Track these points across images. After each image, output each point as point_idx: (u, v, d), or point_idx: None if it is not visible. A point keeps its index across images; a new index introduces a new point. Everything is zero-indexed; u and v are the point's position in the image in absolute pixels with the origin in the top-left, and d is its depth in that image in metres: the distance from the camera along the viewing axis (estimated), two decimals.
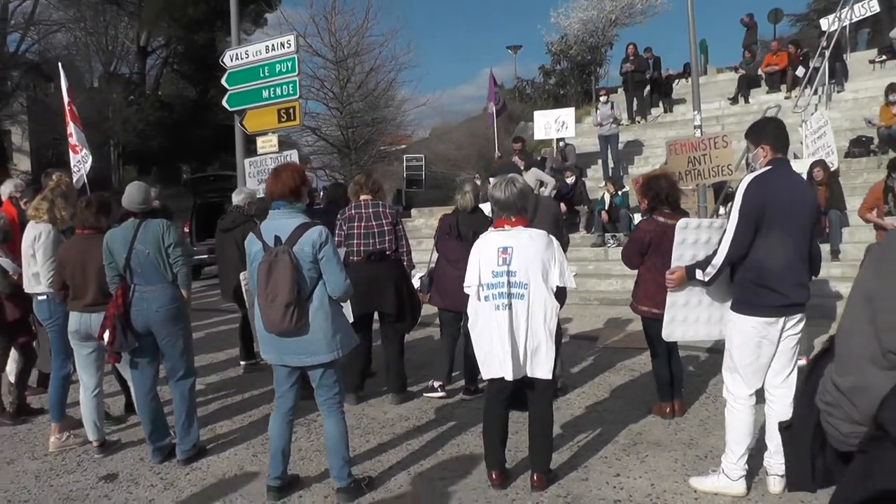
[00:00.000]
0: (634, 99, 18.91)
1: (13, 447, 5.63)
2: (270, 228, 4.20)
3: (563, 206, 13.72)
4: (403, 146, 34.03)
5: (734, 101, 18.15)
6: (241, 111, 11.58)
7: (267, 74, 11.15)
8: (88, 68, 33.51)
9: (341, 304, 4.39)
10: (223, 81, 11.66)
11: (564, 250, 6.81)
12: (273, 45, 11.22)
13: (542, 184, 11.30)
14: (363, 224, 6.09)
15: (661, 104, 19.31)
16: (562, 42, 29.43)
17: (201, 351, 8.07)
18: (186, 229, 15.47)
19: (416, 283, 6.59)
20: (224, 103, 11.74)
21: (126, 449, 5.45)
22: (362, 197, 6.28)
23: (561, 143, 16.13)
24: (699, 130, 10.95)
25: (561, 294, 4.31)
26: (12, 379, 6.36)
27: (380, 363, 6.78)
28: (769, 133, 4.05)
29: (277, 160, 10.20)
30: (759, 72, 18.60)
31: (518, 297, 4.15)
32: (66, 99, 10.50)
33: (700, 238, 4.28)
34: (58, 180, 6.03)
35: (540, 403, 4.38)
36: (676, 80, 20.91)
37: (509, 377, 4.17)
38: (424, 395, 6.40)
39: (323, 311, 4.14)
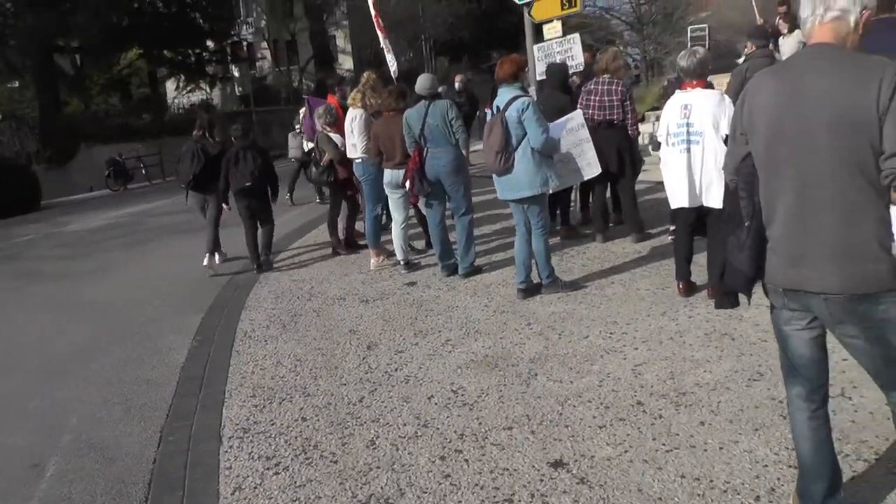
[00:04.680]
0: None
1: (347, 266, 8.15)
2: (498, 101, 5.93)
3: None
4: (703, 14, 33.23)
5: None
6: (529, 2, 12.81)
7: None
8: None
9: (550, 155, 5.93)
10: None
11: None
12: None
13: (803, 45, 11.42)
14: (597, 98, 7.39)
15: None
16: None
17: (482, 210, 9.96)
18: (487, 111, 17.07)
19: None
20: None
21: (423, 269, 7.60)
22: (603, 76, 7.55)
23: None
24: None
25: None
26: (342, 224, 8.80)
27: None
28: None
29: (562, 44, 11.24)
30: None
31: (694, 143, 5.31)
32: (373, 12, 12.62)
33: None
34: (367, 78, 8.16)
35: (715, 229, 5.52)
36: None
37: (686, 204, 5.43)
38: (665, 236, 7.61)
39: (525, 158, 5.78)
